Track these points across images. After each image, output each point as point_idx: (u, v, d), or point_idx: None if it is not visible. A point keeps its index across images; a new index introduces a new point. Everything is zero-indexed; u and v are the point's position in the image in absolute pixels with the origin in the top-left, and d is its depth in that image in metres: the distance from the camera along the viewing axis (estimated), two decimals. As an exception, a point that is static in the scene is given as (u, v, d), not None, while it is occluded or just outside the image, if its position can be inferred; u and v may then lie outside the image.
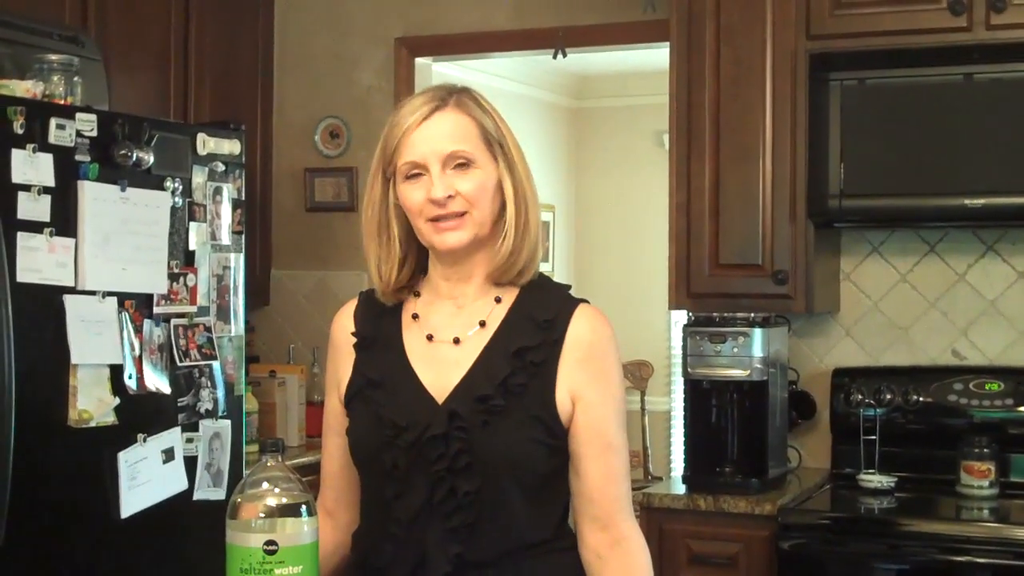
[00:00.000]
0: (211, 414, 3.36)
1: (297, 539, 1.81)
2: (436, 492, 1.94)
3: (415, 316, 2.07)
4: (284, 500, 1.82)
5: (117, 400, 3.05)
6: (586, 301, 2.08)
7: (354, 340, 2.09)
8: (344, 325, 2.12)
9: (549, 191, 7.87)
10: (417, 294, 2.09)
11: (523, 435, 1.95)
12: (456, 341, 2.02)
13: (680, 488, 3.79)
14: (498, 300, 2.05)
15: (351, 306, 2.14)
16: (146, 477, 3.11)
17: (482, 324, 2.03)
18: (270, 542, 1.78)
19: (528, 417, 1.96)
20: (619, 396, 2.04)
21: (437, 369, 2.01)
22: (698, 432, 3.88)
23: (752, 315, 3.79)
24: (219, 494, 3.30)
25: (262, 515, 1.81)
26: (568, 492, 2.04)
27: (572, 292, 2.10)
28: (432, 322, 2.05)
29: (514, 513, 1.96)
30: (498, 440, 1.94)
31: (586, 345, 2.01)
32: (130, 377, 3.09)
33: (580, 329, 2.02)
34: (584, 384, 1.99)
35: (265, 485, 1.83)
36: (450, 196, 1.96)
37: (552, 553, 2.01)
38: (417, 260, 2.08)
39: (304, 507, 1.83)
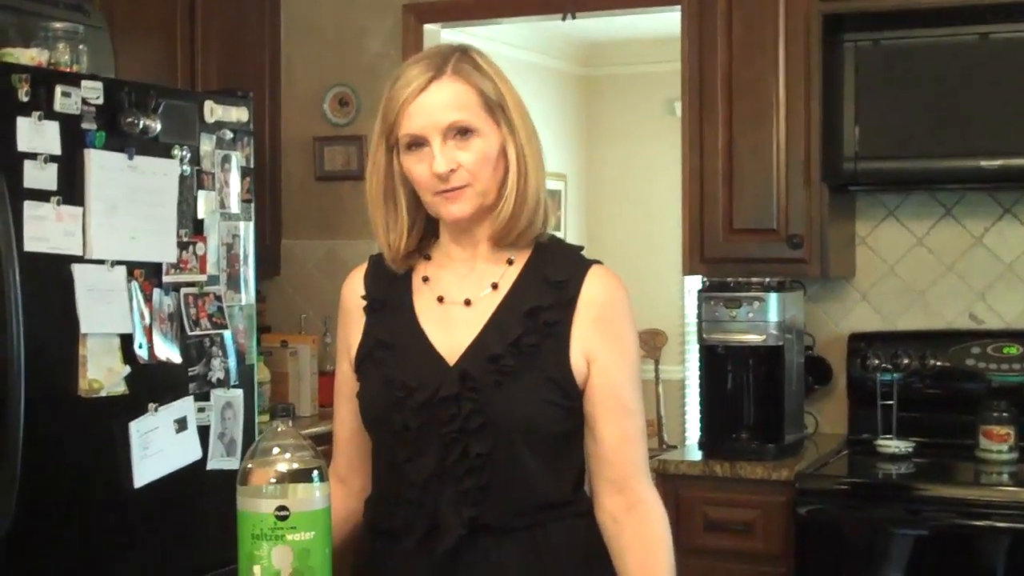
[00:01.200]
0: (223, 383, 3.34)
1: (309, 504, 1.79)
2: (448, 454, 1.91)
3: (425, 279, 2.04)
4: (295, 465, 1.80)
5: (128, 369, 3.03)
6: (599, 262, 2.05)
7: (364, 303, 2.06)
8: (354, 289, 2.10)
9: (559, 159, 7.83)
10: (428, 257, 2.06)
11: (536, 396, 1.93)
12: (467, 303, 2.00)
13: (696, 455, 3.76)
14: (510, 262, 2.02)
15: (360, 270, 2.12)
16: (158, 447, 3.10)
17: (494, 286, 2.00)
18: (281, 508, 1.76)
19: (541, 378, 1.93)
20: (634, 357, 2.02)
21: (448, 331, 1.98)
22: (714, 398, 3.85)
23: (767, 279, 3.75)
24: (233, 463, 3.28)
25: (273, 481, 1.78)
26: (583, 455, 2.01)
27: (585, 254, 2.07)
28: (443, 284, 2.03)
29: (528, 475, 1.94)
30: (511, 401, 1.91)
31: (600, 306, 1.98)
32: (140, 346, 3.07)
33: (594, 290, 1.99)
34: (598, 345, 1.97)
35: (276, 451, 1.81)
36: (452, 170, 1.92)
37: (568, 516, 1.98)
38: (425, 225, 2.05)
39: (316, 472, 1.81)
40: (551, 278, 1.99)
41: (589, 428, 1.98)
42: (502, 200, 1.97)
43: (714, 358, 3.83)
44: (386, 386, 1.96)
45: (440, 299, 2.01)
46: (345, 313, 2.10)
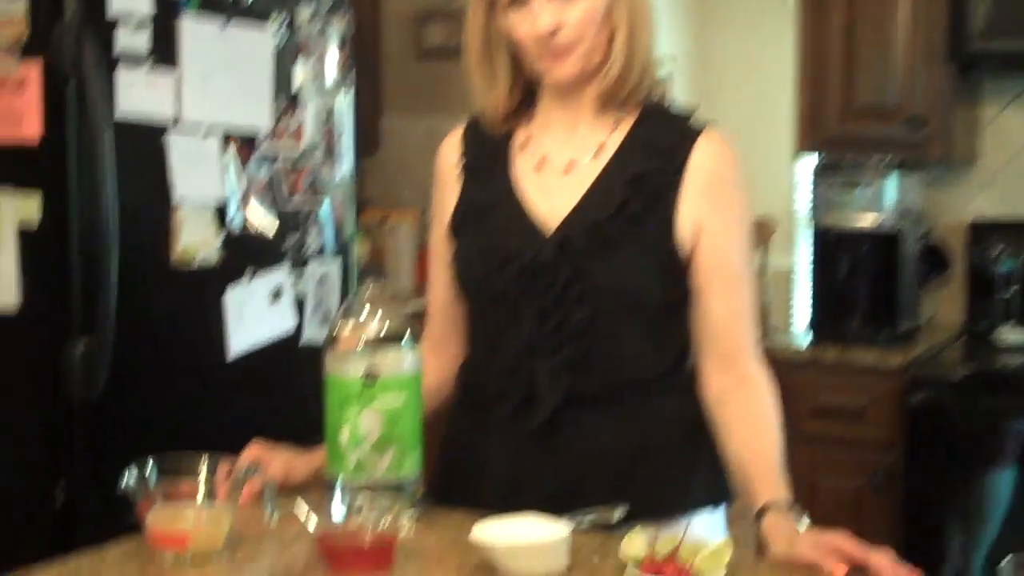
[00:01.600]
0: (319, 255, 3.27)
1: (398, 369, 1.73)
2: (545, 323, 1.84)
3: (525, 143, 1.95)
4: (385, 329, 1.74)
5: (222, 239, 2.98)
6: (710, 126, 1.93)
7: (460, 166, 1.99)
8: (450, 152, 2.04)
9: (669, 43, 7.63)
10: (528, 120, 1.96)
11: (639, 265, 1.84)
12: (569, 168, 1.90)
13: (806, 340, 3.64)
14: (615, 125, 1.92)
15: (457, 132, 2.06)
16: (252, 318, 3.05)
17: (597, 151, 1.90)
18: (370, 372, 1.70)
19: (645, 246, 1.85)
20: (745, 227, 1.92)
21: (548, 196, 1.90)
22: (825, 284, 3.73)
23: (885, 160, 3.59)
24: (327, 337, 3.23)
25: (362, 344, 1.72)
26: (687, 329, 1.92)
27: (695, 119, 1.95)
28: (543, 148, 1.94)
29: (628, 347, 1.86)
30: (612, 270, 1.83)
31: (710, 172, 1.88)
32: (234, 216, 3.01)
33: (704, 156, 1.88)
34: (708, 213, 1.87)
35: (365, 314, 1.75)
36: (556, 29, 1.82)
37: (668, 392, 1.91)
38: (525, 85, 1.94)
39: (407, 336, 1.74)
40: (659, 143, 1.89)
41: (696, 301, 1.89)
42: (609, 60, 1.87)
43: (827, 242, 3.70)
44: (482, 252, 1.90)
45: (540, 163, 1.92)
46: (440, 176, 2.03)
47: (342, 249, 3.36)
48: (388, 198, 4.61)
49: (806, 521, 1.67)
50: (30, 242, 2.70)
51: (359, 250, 3.73)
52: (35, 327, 2.71)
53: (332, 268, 3.31)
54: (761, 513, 1.72)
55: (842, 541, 1.58)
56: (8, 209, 2.71)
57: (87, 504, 2.67)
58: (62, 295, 2.70)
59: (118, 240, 2.70)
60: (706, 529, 1.88)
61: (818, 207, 3.64)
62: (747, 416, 1.85)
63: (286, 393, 3.07)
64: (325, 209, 3.30)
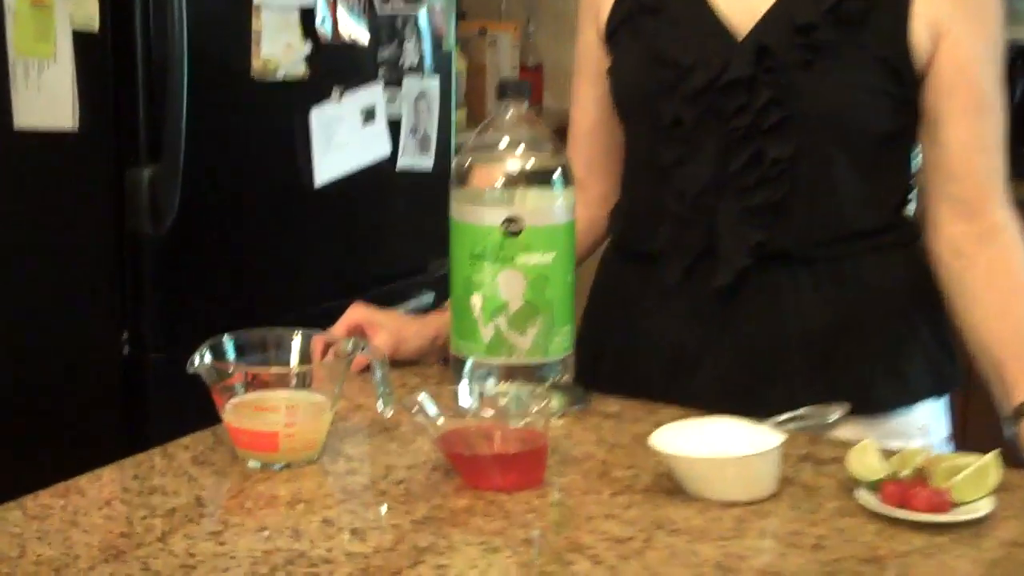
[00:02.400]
0: (416, 70, 2.93)
1: (548, 217, 1.36)
2: (733, 158, 1.46)
3: (706, -80, 1.54)
4: (531, 164, 1.36)
5: (308, 48, 2.65)
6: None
7: (621, -51, 1.59)
8: (608, -69, 1.62)
9: None
10: None
11: (859, 82, 1.45)
12: (766, -48, 1.51)
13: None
14: None
15: (616, -94, 1.62)
16: (343, 139, 2.74)
17: (804, -72, 1.50)
18: (512, 220, 1.31)
19: (867, 58, 1.45)
20: (998, 34, 1.52)
21: (739, -10, 1.50)
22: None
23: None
24: (426, 162, 2.91)
25: (501, 183, 1.35)
26: (912, 167, 1.54)
27: None
28: (733, -75, 1.53)
29: (839, 190, 1.48)
30: (824, 88, 1.44)
31: (956, -41, 1.47)
32: (323, 22, 2.68)
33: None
34: (950, 15, 1.46)
35: (505, 143, 1.37)
36: None
37: (886, 248, 1.52)
38: None
39: (558, 174, 1.37)
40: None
41: (930, 129, 1.49)
42: None
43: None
44: (651, 64, 1.51)
45: (728, -54, 1.53)
46: (593, -35, 1.62)
47: (441, 64, 3.02)
48: (487, 7, 4.20)
49: (1089, 426, 1.28)
50: (88, 52, 2.41)
51: (457, 66, 3.35)
52: (95, 151, 2.44)
53: (430, 86, 2.97)
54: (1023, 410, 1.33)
55: None
56: (62, 12, 2.41)
57: (156, 352, 2.42)
58: (125, 114, 2.43)
59: (188, 49, 2.40)
60: (928, 424, 1.50)
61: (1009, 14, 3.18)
62: (997, 278, 1.46)
63: (380, 227, 2.80)
64: (423, 17, 2.96)
